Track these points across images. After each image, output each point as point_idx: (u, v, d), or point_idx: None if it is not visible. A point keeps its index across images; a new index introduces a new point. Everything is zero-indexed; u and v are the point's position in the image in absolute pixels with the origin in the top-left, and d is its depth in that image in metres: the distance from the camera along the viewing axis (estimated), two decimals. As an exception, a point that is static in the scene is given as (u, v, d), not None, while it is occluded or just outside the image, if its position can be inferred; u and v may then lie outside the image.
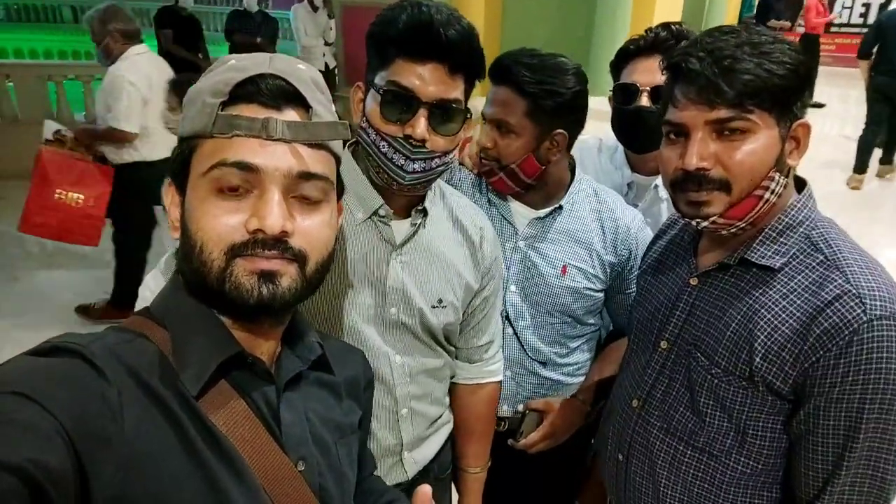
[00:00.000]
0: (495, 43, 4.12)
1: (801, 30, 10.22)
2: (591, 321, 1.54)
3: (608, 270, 1.48)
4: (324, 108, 0.76)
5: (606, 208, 1.48)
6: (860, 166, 6.39)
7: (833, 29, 10.01)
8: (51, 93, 6.06)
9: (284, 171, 0.70)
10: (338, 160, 0.81)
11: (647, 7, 4.59)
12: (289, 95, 0.73)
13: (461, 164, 1.57)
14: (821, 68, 9.39)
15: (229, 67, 0.73)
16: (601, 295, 1.51)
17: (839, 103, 10.59)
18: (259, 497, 0.71)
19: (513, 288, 1.47)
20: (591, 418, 1.53)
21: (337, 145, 0.79)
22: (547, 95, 1.31)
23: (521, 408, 1.53)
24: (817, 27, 9.29)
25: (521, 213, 1.46)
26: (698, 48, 0.95)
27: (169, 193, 0.77)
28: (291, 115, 0.73)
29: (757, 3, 11.19)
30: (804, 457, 0.97)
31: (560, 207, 1.44)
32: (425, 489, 0.81)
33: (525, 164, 1.37)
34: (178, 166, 0.74)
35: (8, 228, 4.89)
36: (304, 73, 0.76)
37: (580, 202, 1.47)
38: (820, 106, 9.73)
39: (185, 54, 6.20)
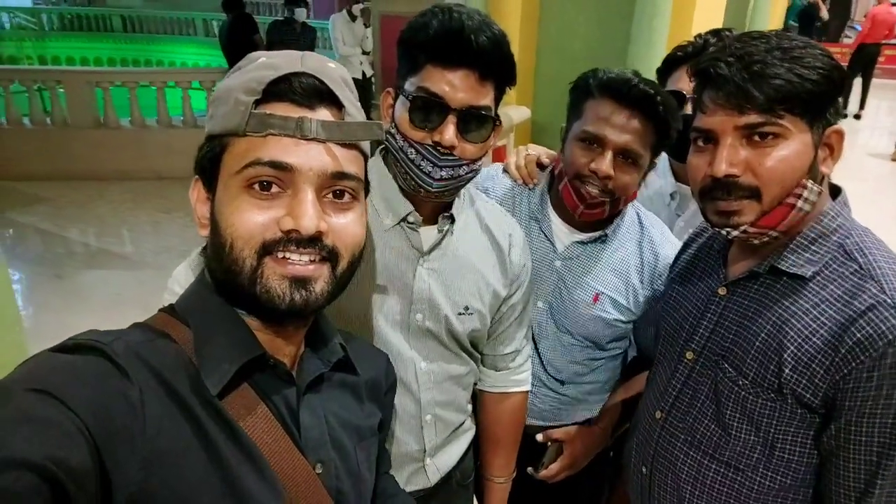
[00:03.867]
0: (531, 55, 4.11)
1: (848, 41, 10.04)
2: (615, 346, 1.51)
3: (640, 303, 1.43)
4: (354, 107, 0.76)
5: (648, 240, 1.43)
6: None
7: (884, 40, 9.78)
8: (98, 98, 6.29)
9: (318, 170, 0.70)
10: (366, 159, 0.80)
11: (685, 17, 4.54)
12: (322, 94, 0.72)
13: (505, 171, 1.52)
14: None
15: (261, 65, 0.73)
16: (629, 326, 1.47)
17: (887, 116, 10.28)
18: (281, 498, 0.71)
19: (540, 304, 1.44)
20: (610, 444, 1.51)
21: (366, 145, 0.79)
22: (671, 129, 1.28)
23: (539, 437, 1.50)
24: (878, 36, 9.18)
25: (563, 232, 1.42)
26: (727, 53, 0.93)
27: (196, 190, 0.76)
28: (324, 114, 0.72)
29: (798, 14, 11.04)
30: (835, 473, 0.94)
31: (605, 235, 1.40)
32: None
33: (632, 196, 1.34)
34: (208, 164, 0.74)
35: (54, 228, 5.10)
36: (335, 72, 0.75)
37: (623, 232, 1.43)
38: (857, 117, 9.54)
39: None
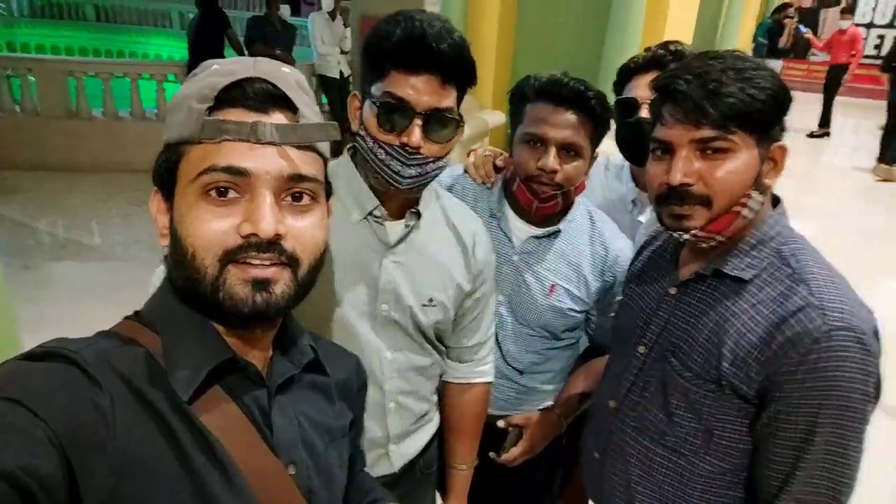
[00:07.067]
0: (507, 63, 4.20)
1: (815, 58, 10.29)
2: (570, 335, 1.60)
3: (592, 294, 1.53)
4: (310, 110, 0.76)
5: (599, 235, 1.54)
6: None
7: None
8: (71, 88, 6.19)
9: (275, 174, 0.70)
10: (325, 161, 0.80)
11: (658, 27, 4.67)
12: (275, 98, 0.72)
13: (466, 171, 1.61)
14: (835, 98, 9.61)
15: (213, 72, 0.72)
16: (582, 316, 1.56)
17: (851, 134, 10.66)
18: (249, 501, 0.71)
19: (500, 298, 1.52)
20: (565, 429, 1.59)
21: (324, 147, 0.79)
22: (606, 120, 1.41)
23: (501, 423, 1.57)
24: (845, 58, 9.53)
25: (520, 228, 1.52)
26: (686, 71, 1.01)
27: (155, 201, 0.76)
28: (279, 117, 0.72)
29: (766, 31, 11.38)
30: (765, 457, 1.02)
31: (558, 231, 1.50)
32: None
33: (580, 187, 1.46)
34: (165, 173, 0.73)
35: (23, 218, 5.03)
36: (289, 76, 0.75)
37: (575, 227, 1.53)
38: (826, 135, 9.88)
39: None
